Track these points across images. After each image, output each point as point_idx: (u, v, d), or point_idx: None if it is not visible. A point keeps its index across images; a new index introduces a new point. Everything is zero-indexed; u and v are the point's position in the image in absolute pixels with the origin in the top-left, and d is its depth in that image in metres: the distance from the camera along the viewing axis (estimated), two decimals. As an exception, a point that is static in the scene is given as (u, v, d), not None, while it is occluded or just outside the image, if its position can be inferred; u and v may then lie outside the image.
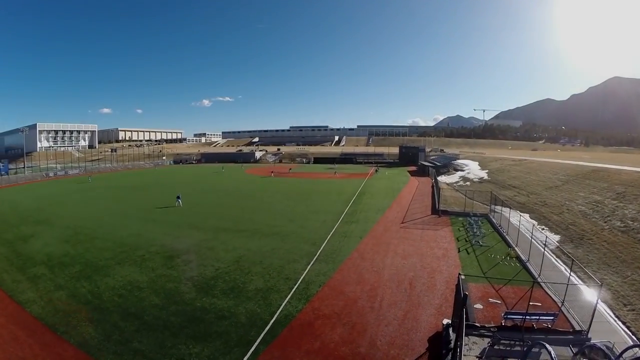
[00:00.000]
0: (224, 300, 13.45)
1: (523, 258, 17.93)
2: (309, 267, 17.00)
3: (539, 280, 15.38)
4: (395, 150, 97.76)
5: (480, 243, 20.68)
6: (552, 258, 18.16)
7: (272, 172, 68.25)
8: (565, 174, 36.05)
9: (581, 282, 14.55)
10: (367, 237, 22.37)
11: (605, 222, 21.19)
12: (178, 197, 33.28)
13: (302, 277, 15.70)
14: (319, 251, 19.41)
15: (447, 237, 22.38)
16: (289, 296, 13.83)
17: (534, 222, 25.75)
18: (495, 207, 27.28)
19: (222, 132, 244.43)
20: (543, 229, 23.57)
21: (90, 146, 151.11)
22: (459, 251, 19.57)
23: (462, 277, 15.38)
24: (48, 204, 35.57)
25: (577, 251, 18.71)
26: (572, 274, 14.50)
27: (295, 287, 14.68)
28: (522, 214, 28.39)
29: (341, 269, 16.87)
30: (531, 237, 19.46)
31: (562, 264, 17.44)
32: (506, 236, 21.61)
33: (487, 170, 52.24)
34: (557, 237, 21.45)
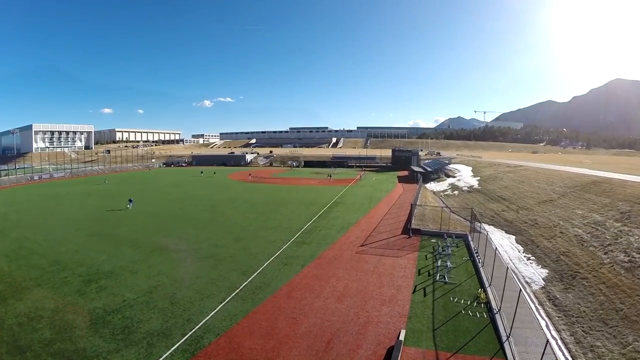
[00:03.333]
0: (109, 342, 11.67)
1: (494, 306, 13.63)
2: (221, 305, 14.08)
3: (505, 344, 11.14)
4: (389, 153, 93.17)
5: (446, 279, 16.40)
6: (532, 305, 13.92)
7: (249, 175, 64.69)
8: (562, 185, 31.60)
9: (564, 350, 10.40)
10: (311, 266, 18.32)
11: (605, 253, 16.84)
12: (130, 200, 34.37)
13: (204, 320, 12.94)
14: (245, 283, 16.16)
15: (407, 268, 18.14)
16: (175, 346, 11.38)
17: (519, 247, 21.42)
18: (478, 224, 22.86)
19: (220, 133, 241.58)
20: (529, 259, 19.25)
21: (87, 147, 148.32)
22: (414, 291, 15.33)
23: (401, 338, 11.29)
24: (16, 210, 33.72)
25: (567, 296, 14.42)
26: (553, 333, 10.37)
27: (190, 333, 12.11)
28: (507, 235, 24.09)
29: (256, 312, 13.60)
30: (511, 272, 15.15)
31: (544, 316, 13.18)
32: (481, 269, 17.30)
33: (478, 178, 47.71)
34: (544, 273, 17.14)
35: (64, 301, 14.61)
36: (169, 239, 23.58)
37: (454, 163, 69.23)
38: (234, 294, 15.06)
